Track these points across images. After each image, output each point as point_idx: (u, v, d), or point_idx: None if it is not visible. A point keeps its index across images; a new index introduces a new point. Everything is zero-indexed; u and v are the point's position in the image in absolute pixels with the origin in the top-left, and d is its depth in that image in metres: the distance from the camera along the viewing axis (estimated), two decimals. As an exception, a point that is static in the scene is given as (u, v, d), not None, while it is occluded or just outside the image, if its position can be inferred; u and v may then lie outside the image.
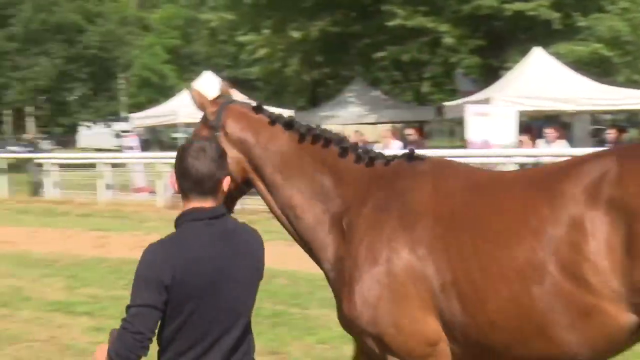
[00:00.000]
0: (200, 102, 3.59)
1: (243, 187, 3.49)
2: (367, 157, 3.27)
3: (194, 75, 43.23)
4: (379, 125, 25.20)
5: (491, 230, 2.83)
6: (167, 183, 18.31)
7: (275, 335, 6.53)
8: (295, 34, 24.69)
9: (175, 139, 41.74)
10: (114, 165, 21.03)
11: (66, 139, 55.86)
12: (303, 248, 3.44)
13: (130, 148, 21.34)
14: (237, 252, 2.64)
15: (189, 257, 2.51)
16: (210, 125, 3.47)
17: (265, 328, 6.43)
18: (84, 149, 46.40)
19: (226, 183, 2.70)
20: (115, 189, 20.18)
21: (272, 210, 3.49)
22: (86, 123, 46.78)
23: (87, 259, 10.76)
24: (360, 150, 3.30)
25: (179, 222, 2.68)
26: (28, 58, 40.23)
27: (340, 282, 3.08)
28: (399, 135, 18.05)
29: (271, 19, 26.00)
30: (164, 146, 44.98)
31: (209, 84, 23.78)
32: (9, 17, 39.97)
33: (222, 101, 3.57)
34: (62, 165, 21.03)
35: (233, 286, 2.59)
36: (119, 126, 49.08)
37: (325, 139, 3.31)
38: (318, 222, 3.28)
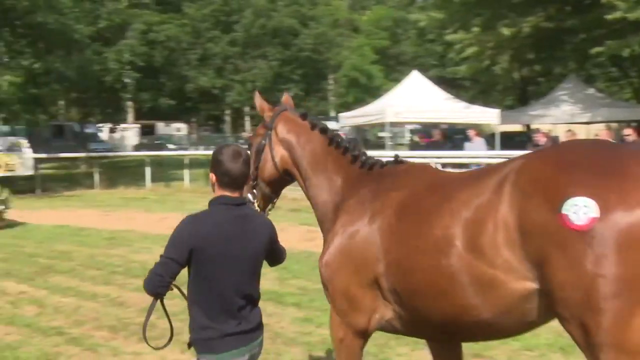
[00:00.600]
0: (261, 107, 4.49)
1: (285, 176, 4.42)
2: (369, 163, 4.13)
3: (401, 75, 43.67)
4: (592, 124, 23.65)
5: (425, 215, 3.41)
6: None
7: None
8: (506, 31, 23.94)
9: (382, 137, 42.34)
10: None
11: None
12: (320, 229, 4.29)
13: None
14: (245, 233, 3.42)
15: (209, 231, 3.32)
16: (266, 126, 4.41)
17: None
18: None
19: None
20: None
21: (306, 196, 4.41)
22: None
23: (297, 252, 11.15)
24: (364, 158, 4.16)
25: (211, 203, 3.51)
26: (247, 61, 42.85)
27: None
28: (614, 135, 16.85)
29: (481, 17, 25.44)
30: (370, 145, 45.85)
31: (416, 83, 23.92)
32: (232, 24, 42.89)
33: (278, 108, 4.47)
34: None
35: (237, 258, 3.37)
36: (328, 125, 50.82)
37: (345, 147, 4.22)
38: (327, 210, 4.19)
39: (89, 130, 43.48)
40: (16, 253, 11.77)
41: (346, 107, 48.29)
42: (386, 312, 3.66)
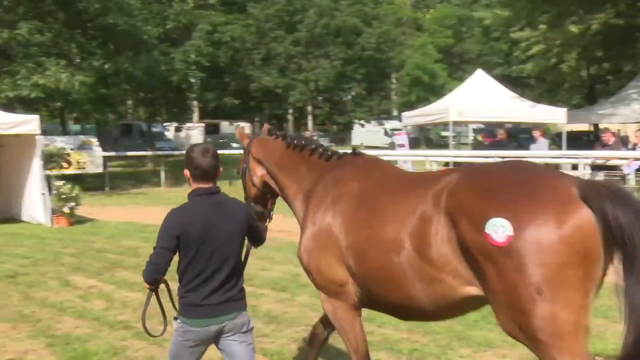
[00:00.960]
0: (240, 137, 5.34)
1: (264, 190, 5.19)
2: (327, 154, 4.76)
3: (465, 74, 43.16)
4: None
5: (379, 211, 3.95)
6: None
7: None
8: (574, 28, 23.44)
9: (445, 137, 41.93)
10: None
11: (341, 137, 58.87)
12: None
13: (402, 146, 21.85)
14: (223, 217, 3.99)
15: (190, 219, 3.93)
16: (244, 152, 5.22)
17: None
18: (356, 146, 48.55)
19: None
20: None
21: (286, 202, 5.07)
22: (360, 121, 48.77)
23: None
24: (321, 150, 4.80)
25: (189, 195, 4.07)
26: (310, 61, 43.03)
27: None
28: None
29: (548, 14, 24.92)
30: (432, 144, 45.47)
31: (480, 82, 23.59)
32: (296, 24, 43.13)
33: (253, 135, 5.40)
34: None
35: (218, 239, 3.93)
36: (390, 124, 50.50)
37: (302, 145, 4.90)
38: (295, 197, 4.86)
39: (155, 129, 44.39)
40: (86, 248, 12.14)
41: (409, 106, 48.04)
42: (355, 287, 4.18)
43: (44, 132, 19.65)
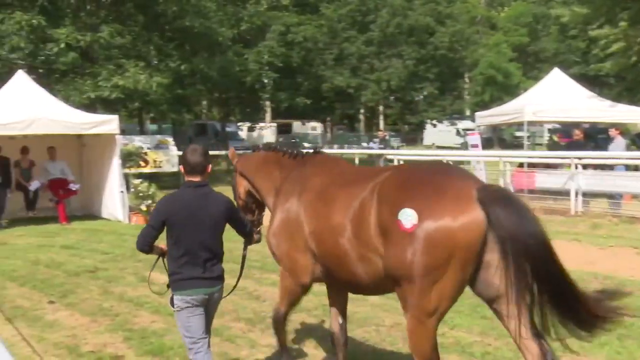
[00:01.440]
0: (232, 156, 6.17)
1: (249, 201, 5.97)
2: (294, 154, 5.59)
3: (540, 73, 42.12)
4: None
5: (332, 201, 4.70)
6: (508, 182, 18.17)
7: (623, 347, 6.14)
8: (657, 26, 22.57)
9: (519, 137, 41.00)
10: (457, 163, 21.45)
11: (412, 137, 58.39)
12: None
13: (476, 146, 21.51)
14: (206, 206, 4.76)
15: (177, 205, 4.75)
16: (234, 169, 6.11)
17: (611, 339, 6.05)
18: (428, 147, 48.01)
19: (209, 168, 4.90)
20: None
21: (266, 205, 5.81)
22: (432, 121, 48.30)
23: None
24: (290, 151, 5.65)
25: (181, 186, 4.88)
26: (382, 60, 42.88)
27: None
28: None
29: (629, 10, 24.08)
30: (506, 144, 44.56)
31: (556, 81, 23.00)
32: (368, 23, 43.07)
33: (241, 155, 6.22)
34: (408, 162, 22.08)
35: (200, 224, 4.70)
36: (462, 124, 49.80)
37: (274, 149, 5.80)
38: (269, 193, 5.64)
39: (229, 129, 45.16)
40: (162, 245, 12.46)
41: (482, 106, 47.20)
42: (316, 268, 4.96)
43: (123, 132, 20.28)
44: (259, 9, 33.46)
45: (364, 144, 39.17)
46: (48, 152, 16.14)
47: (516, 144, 38.62)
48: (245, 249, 5.59)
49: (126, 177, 17.41)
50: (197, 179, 4.81)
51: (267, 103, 48.45)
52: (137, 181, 16.41)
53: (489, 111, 25.17)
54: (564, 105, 20.88)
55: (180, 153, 26.59)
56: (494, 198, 3.90)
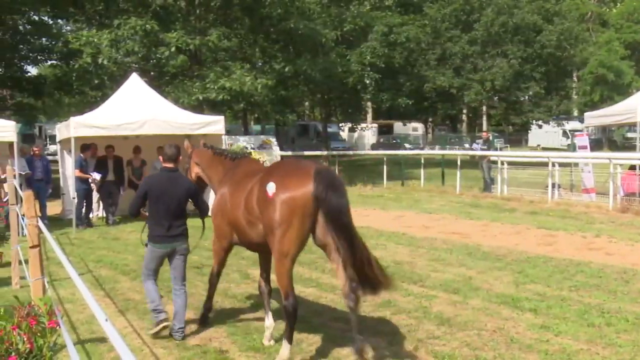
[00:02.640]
0: (186, 147, 7.95)
1: (197, 182, 7.72)
2: (233, 157, 7.59)
3: (656, 72, 40.14)
4: None
5: (240, 189, 6.63)
6: (618, 185, 17.42)
7: None
8: None
9: (630, 138, 39.29)
10: (563, 165, 20.77)
11: (517, 138, 56.95)
12: None
13: (584, 147, 20.74)
14: (175, 185, 7.02)
15: (154, 183, 7.08)
16: (188, 156, 7.98)
17: None
18: (533, 148, 46.68)
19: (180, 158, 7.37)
20: (564, 188, 19.95)
21: (212, 188, 7.72)
22: (538, 122, 46.94)
23: (534, 256, 10.83)
24: (230, 155, 7.68)
25: (160, 169, 7.50)
26: (486, 60, 42.02)
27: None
28: None
29: None
30: (616, 146, 42.81)
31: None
32: (473, 22, 42.33)
33: (194, 147, 8.07)
34: (511, 163, 21.58)
35: (170, 197, 6.95)
36: (570, 125, 48.13)
37: (221, 152, 7.79)
38: (214, 182, 7.51)
39: (330, 129, 45.55)
40: (265, 243, 12.73)
41: (591, 106, 45.50)
42: (234, 236, 6.85)
43: (228, 132, 20.84)
44: (362, 10, 33.52)
45: (466, 145, 38.53)
46: (158, 151, 16.82)
47: (627, 146, 36.98)
48: (202, 220, 7.48)
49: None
50: (170, 165, 7.20)
51: (369, 104, 48.48)
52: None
53: (599, 111, 24.20)
54: (682, 105, 19.81)
55: (283, 153, 27.23)
56: (321, 178, 5.86)
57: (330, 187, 5.80)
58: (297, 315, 5.99)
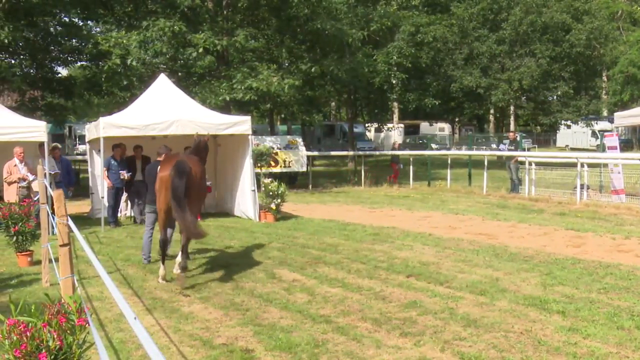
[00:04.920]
0: (158, 153, 11.25)
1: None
2: (186, 151, 11.78)
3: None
4: None
5: (160, 168, 10.13)
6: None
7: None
8: None
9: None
10: (592, 166, 20.53)
11: (544, 138, 56.40)
12: None
13: (614, 148, 20.41)
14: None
15: (153, 168, 10.85)
16: (159, 153, 11.23)
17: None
18: (561, 148, 46.17)
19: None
20: (593, 189, 19.72)
21: None
22: (566, 122, 46.42)
23: (563, 257, 10.72)
24: (186, 152, 11.63)
25: (155, 160, 11.73)
26: (514, 60, 41.68)
27: None
28: None
29: None
30: (647, 147, 42.15)
31: None
32: (501, 22, 42.03)
33: (168, 151, 11.16)
34: (539, 164, 21.38)
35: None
36: (599, 125, 47.53)
37: (187, 151, 12.01)
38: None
39: (357, 129, 45.53)
40: (290, 244, 12.76)
41: (621, 106, 44.89)
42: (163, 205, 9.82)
43: (254, 132, 20.94)
44: (389, 10, 33.48)
45: (493, 146, 38.28)
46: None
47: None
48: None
49: (257, 176, 17.96)
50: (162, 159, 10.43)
51: (395, 104, 48.37)
52: (267, 180, 16.89)
53: (630, 111, 23.86)
54: None
55: (309, 153, 27.32)
56: (174, 166, 9.27)
57: (177, 173, 9.21)
58: (166, 247, 10.20)
